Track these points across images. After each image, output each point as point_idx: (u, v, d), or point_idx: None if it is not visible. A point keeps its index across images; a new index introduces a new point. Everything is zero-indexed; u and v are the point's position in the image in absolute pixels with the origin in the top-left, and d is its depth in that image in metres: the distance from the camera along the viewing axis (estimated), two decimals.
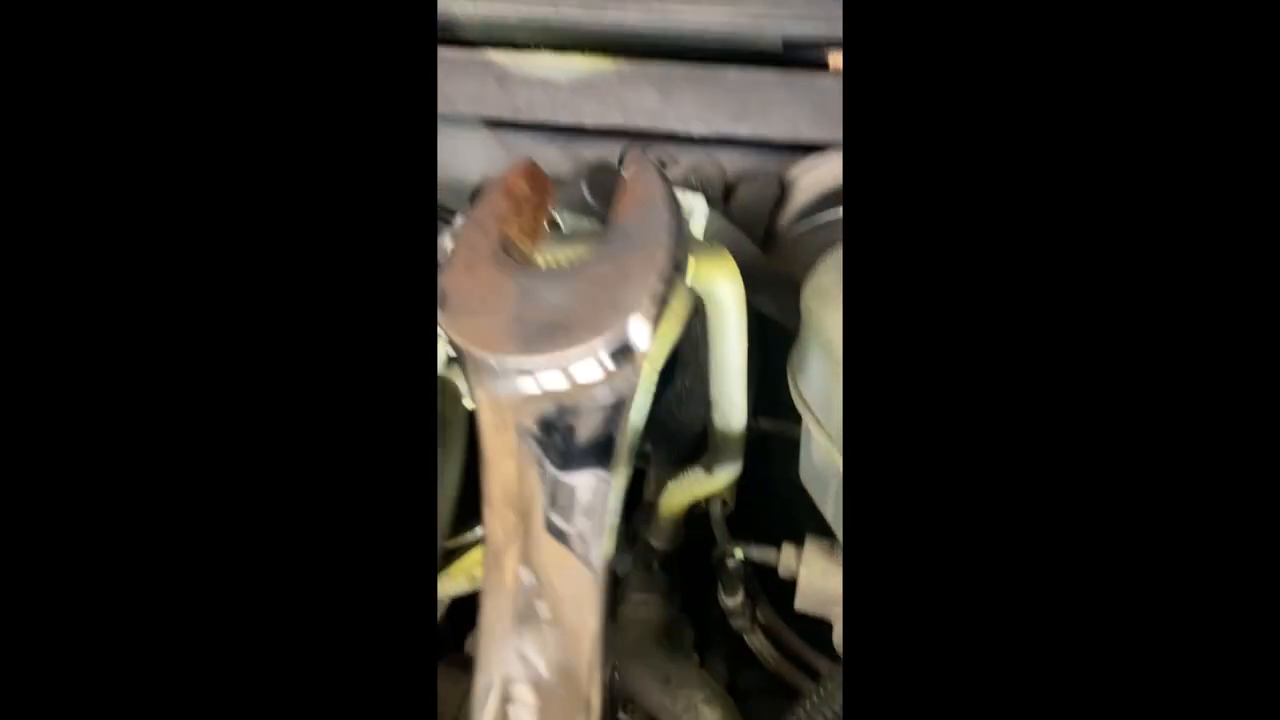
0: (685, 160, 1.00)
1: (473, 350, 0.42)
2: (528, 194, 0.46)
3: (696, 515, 0.89)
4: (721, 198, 0.95)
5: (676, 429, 0.97)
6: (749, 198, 0.93)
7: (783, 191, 0.96)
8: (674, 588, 0.95)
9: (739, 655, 0.92)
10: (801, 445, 0.77)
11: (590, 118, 0.89)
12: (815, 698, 0.62)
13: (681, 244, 0.44)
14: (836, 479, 0.67)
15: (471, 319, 0.41)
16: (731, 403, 0.68)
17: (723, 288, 0.58)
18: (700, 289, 0.59)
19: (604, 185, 0.67)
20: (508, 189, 0.45)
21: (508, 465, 0.43)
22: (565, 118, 0.89)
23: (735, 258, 0.85)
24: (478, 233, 0.43)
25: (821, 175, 0.92)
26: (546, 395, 0.42)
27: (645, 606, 0.86)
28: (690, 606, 0.94)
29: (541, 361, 0.41)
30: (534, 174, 0.46)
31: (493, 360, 0.41)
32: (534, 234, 0.45)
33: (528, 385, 0.42)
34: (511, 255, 0.43)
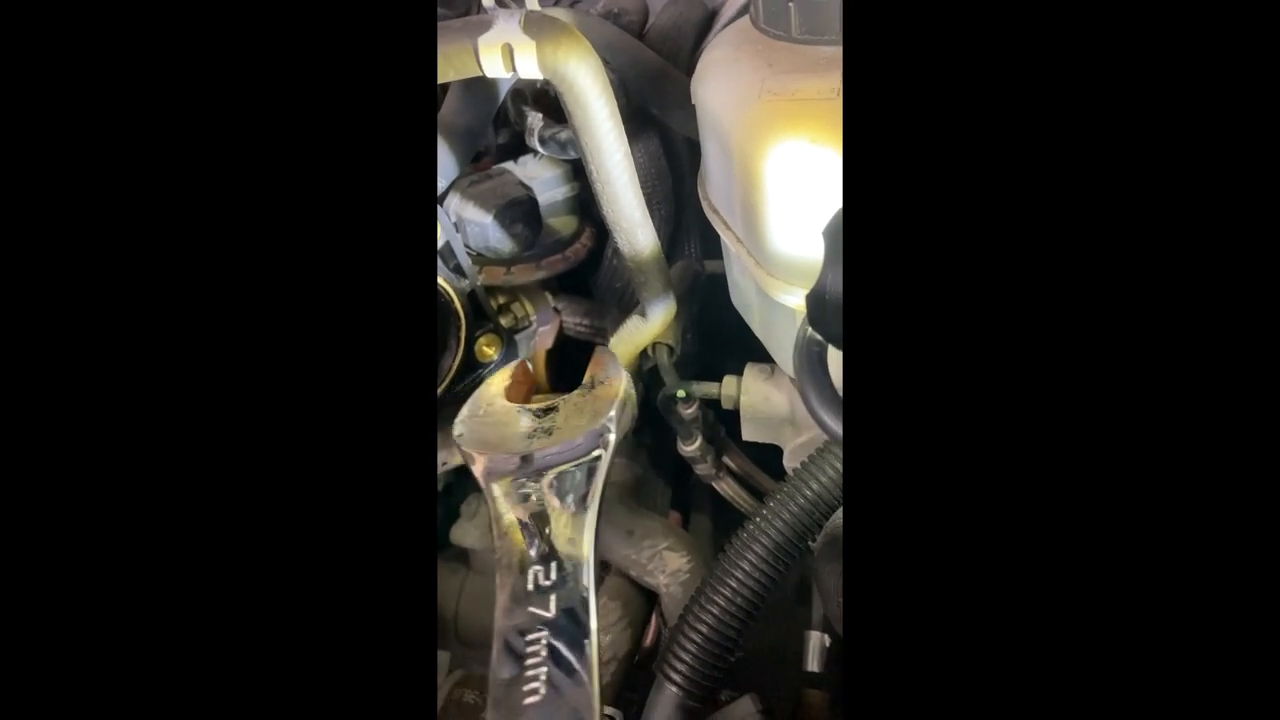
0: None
1: None
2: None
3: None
4: (639, 29, 0.89)
5: (621, 287, 0.93)
6: (671, 21, 0.88)
7: (710, 15, 0.91)
8: (640, 448, 0.94)
9: (725, 509, 0.90)
10: (726, 266, 0.72)
11: None
12: (759, 518, 0.58)
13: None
14: (754, 287, 0.62)
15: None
16: (630, 220, 0.62)
17: (574, 69, 0.52)
18: (550, 75, 0.54)
19: (512, 215, 0.79)
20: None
21: None
22: None
23: (657, 81, 0.81)
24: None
25: None
26: None
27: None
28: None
29: None
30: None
31: None
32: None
33: None
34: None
